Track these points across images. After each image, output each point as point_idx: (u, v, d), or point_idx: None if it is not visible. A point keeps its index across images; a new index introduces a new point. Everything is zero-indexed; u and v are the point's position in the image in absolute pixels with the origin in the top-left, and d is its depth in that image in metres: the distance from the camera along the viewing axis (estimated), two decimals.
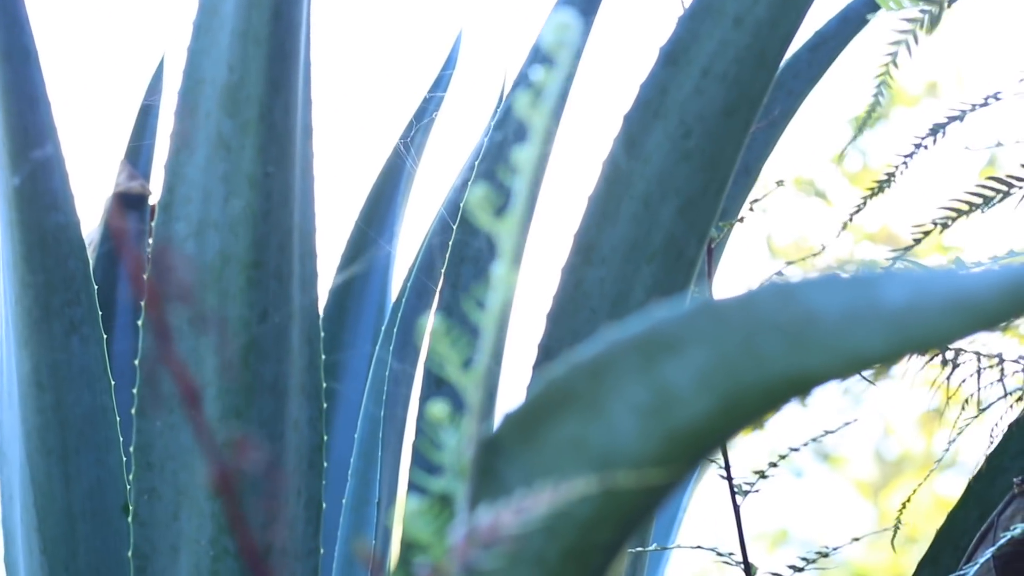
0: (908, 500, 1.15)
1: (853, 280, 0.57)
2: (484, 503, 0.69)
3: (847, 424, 1.12)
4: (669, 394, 0.64)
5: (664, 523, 1.51)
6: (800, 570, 1.06)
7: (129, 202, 1.52)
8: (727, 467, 1.08)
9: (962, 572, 1.07)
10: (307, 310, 1.07)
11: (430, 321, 0.74)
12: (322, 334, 1.10)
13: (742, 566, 1.07)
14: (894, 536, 1.14)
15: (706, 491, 1.57)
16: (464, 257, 1.18)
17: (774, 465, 1.08)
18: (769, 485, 1.11)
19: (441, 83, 1.61)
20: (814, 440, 1.11)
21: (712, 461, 1.09)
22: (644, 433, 0.66)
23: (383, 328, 1.39)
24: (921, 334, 0.55)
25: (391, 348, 1.33)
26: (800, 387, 0.61)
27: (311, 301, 1.08)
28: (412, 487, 1.12)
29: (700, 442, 0.65)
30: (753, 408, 0.63)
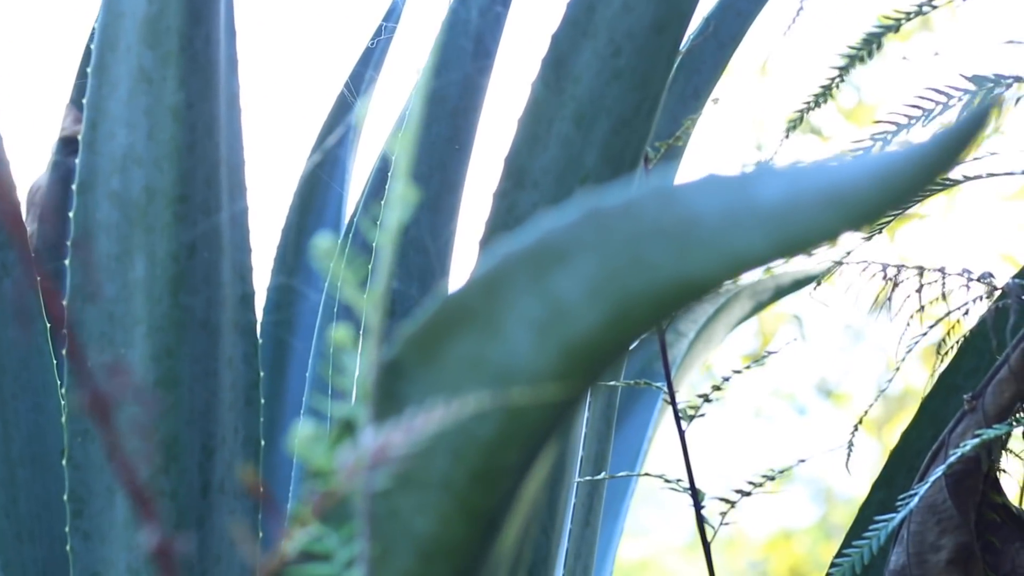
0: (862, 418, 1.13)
1: (731, 179, 0.55)
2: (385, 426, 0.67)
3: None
4: (561, 307, 0.63)
5: (628, 458, 1.49)
6: (748, 494, 1.05)
7: (76, 146, 1.49)
8: (671, 392, 1.06)
9: (913, 492, 1.06)
10: (238, 244, 1.05)
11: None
12: (275, 277, 1.08)
13: (689, 492, 1.05)
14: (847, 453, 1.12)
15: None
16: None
17: (717, 388, 1.06)
18: (773, 424, 1.09)
19: (393, 14, 1.59)
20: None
21: (657, 387, 1.07)
22: (539, 348, 0.64)
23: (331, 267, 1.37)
24: (800, 232, 0.53)
25: (339, 285, 1.30)
26: (688, 292, 0.59)
27: (242, 235, 1.06)
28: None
29: (595, 354, 0.64)
30: (644, 316, 0.61)
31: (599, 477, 1.14)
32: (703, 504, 1.05)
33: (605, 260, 0.60)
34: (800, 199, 0.53)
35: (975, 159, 1.12)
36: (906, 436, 1.15)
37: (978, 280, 1.03)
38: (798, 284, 1.64)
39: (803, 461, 1.06)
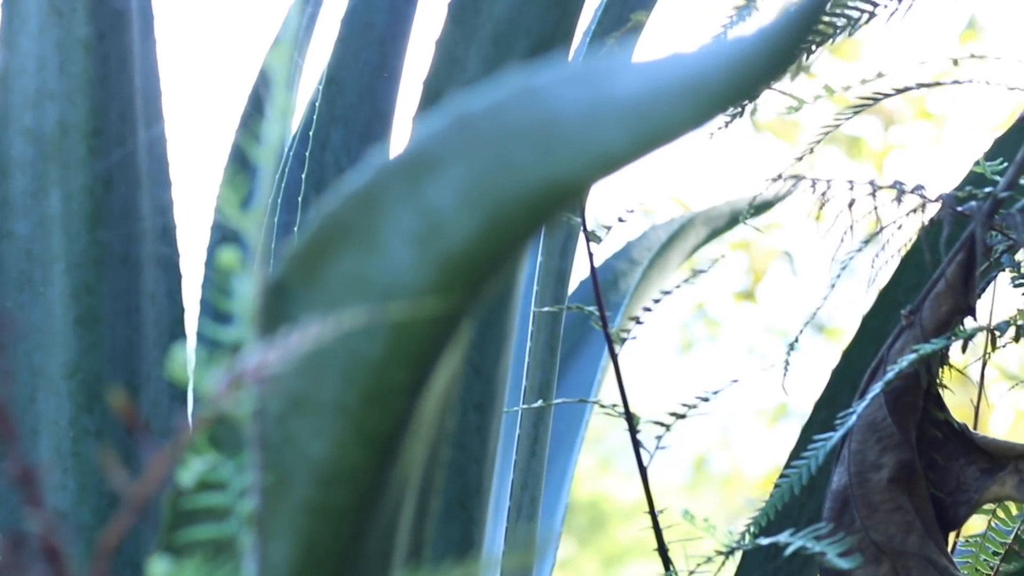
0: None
1: (591, 74, 0.53)
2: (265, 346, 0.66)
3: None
4: (436, 217, 0.61)
5: (581, 389, 1.48)
6: (682, 416, 1.03)
7: None
8: (603, 320, 1.04)
9: (851, 410, 1.04)
10: (157, 177, 1.03)
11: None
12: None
13: (624, 416, 1.03)
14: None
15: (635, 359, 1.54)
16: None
17: (648, 310, 1.04)
18: (767, 362, 1.08)
19: None
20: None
21: (583, 310, 1.05)
22: (419, 261, 0.63)
23: (269, 199, 1.35)
24: (660, 125, 0.52)
25: (276, 219, 1.29)
26: (558, 195, 0.57)
27: (161, 168, 1.04)
28: (202, 339, 1.09)
29: (475, 265, 0.62)
30: (519, 223, 0.59)
31: (534, 405, 1.12)
32: (639, 428, 1.04)
33: (474, 166, 0.58)
34: (658, 92, 0.51)
35: (957, 83, 1.10)
36: (847, 355, 1.14)
37: (911, 192, 1.01)
38: (755, 210, 1.62)
39: (735, 381, 1.04)
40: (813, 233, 1.14)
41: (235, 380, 0.61)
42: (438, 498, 0.80)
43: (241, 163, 1.13)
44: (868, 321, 1.13)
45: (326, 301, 0.66)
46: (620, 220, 1.02)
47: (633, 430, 1.03)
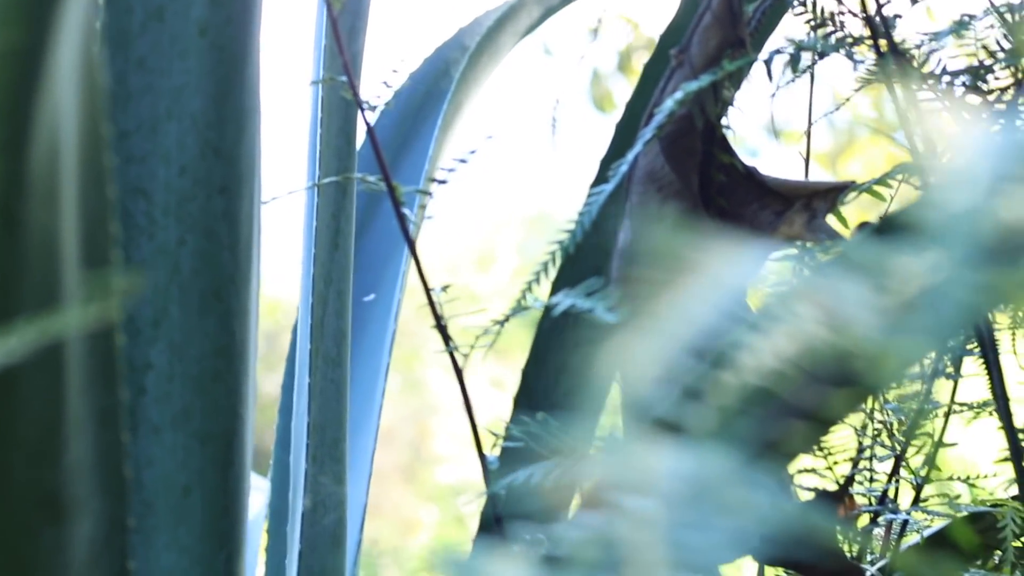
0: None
1: None
2: None
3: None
4: None
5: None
6: (505, 320, 0.96)
7: None
8: (387, 181, 0.97)
9: (621, 160, 0.98)
10: None
11: None
12: None
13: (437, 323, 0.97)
14: None
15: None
16: None
17: (452, 170, 0.97)
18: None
19: None
20: None
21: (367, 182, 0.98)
22: None
23: None
24: None
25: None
26: None
27: None
28: None
29: None
30: None
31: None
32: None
33: None
34: None
35: None
36: (631, 106, 1.08)
37: None
38: None
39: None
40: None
41: None
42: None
43: None
44: (649, 69, 1.07)
45: None
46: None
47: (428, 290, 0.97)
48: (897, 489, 1.16)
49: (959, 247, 0.49)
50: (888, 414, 1.08)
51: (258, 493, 1.49)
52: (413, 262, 1.00)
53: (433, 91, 1.48)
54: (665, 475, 0.43)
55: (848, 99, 1.05)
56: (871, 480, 1.16)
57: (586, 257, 1.03)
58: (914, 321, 0.48)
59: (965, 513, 1.13)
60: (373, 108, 0.98)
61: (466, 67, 1.45)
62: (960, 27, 0.98)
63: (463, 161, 0.96)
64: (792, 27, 1.05)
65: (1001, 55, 0.98)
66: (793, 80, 1.05)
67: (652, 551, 0.40)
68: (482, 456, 1.02)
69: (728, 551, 0.43)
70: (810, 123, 1.20)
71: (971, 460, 1.26)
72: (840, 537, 1.07)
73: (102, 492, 0.77)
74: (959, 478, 1.16)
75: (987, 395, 1.08)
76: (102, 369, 0.75)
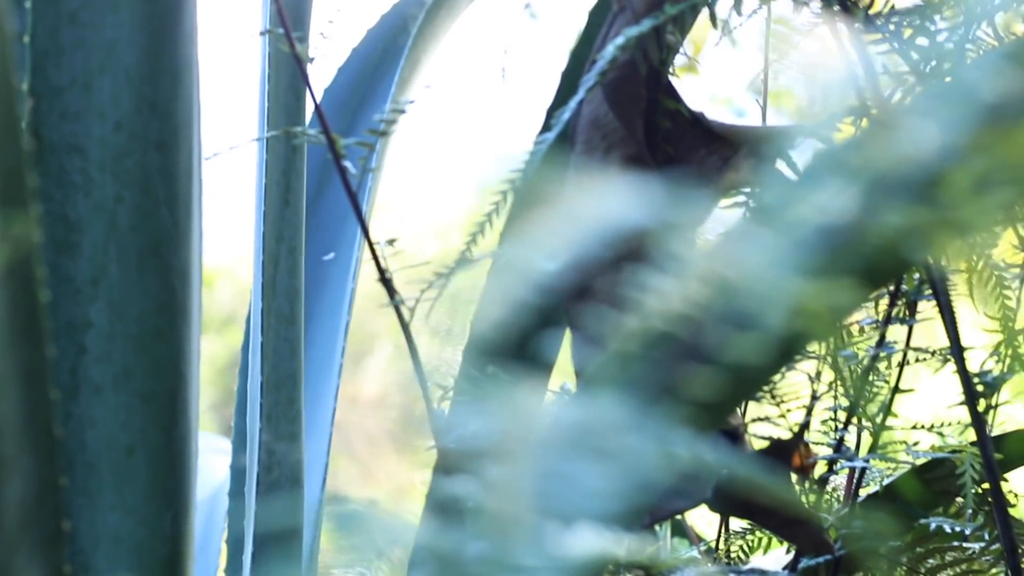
0: None
1: None
2: None
3: None
4: None
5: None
6: (450, 273, 0.94)
7: None
8: (327, 134, 0.96)
9: (563, 107, 0.96)
10: None
11: None
12: None
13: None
14: None
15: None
16: None
17: (393, 121, 0.96)
18: None
19: None
20: None
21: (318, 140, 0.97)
22: None
23: None
24: None
25: None
26: None
27: None
28: None
29: None
30: None
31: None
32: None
33: None
34: None
35: None
36: (575, 53, 1.06)
37: None
38: None
39: None
40: None
41: None
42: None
43: None
44: (593, 16, 1.05)
45: None
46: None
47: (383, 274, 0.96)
48: (859, 439, 1.15)
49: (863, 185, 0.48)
50: (842, 361, 1.07)
51: (224, 456, 1.49)
52: (367, 220, 0.98)
53: (390, 48, 1.46)
54: (543, 423, 0.42)
55: (797, 43, 1.03)
56: (835, 430, 1.15)
57: (532, 207, 1.01)
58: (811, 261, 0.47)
59: (924, 460, 1.12)
60: (312, 61, 0.96)
61: (423, 22, 1.43)
62: None
63: (402, 112, 0.95)
64: None
65: None
66: (741, 25, 1.03)
67: (518, 502, 0.38)
68: (431, 410, 1.01)
69: (609, 499, 0.42)
70: (766, 66, 1.18)
71: (932, 407, 1.24)
72: (796, 486, 1.06)
73: (32, 451, 0.76)
74: (919, 426, 1.15)
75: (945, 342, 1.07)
76: (26, 326, 0.74)
